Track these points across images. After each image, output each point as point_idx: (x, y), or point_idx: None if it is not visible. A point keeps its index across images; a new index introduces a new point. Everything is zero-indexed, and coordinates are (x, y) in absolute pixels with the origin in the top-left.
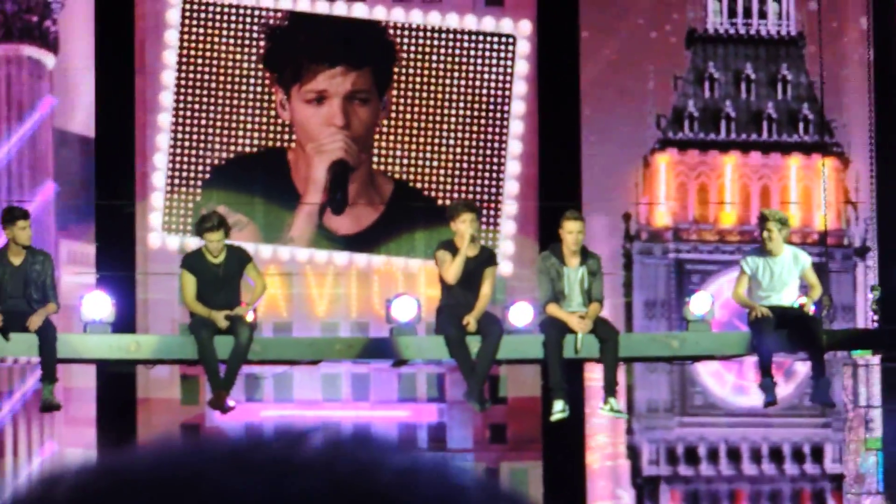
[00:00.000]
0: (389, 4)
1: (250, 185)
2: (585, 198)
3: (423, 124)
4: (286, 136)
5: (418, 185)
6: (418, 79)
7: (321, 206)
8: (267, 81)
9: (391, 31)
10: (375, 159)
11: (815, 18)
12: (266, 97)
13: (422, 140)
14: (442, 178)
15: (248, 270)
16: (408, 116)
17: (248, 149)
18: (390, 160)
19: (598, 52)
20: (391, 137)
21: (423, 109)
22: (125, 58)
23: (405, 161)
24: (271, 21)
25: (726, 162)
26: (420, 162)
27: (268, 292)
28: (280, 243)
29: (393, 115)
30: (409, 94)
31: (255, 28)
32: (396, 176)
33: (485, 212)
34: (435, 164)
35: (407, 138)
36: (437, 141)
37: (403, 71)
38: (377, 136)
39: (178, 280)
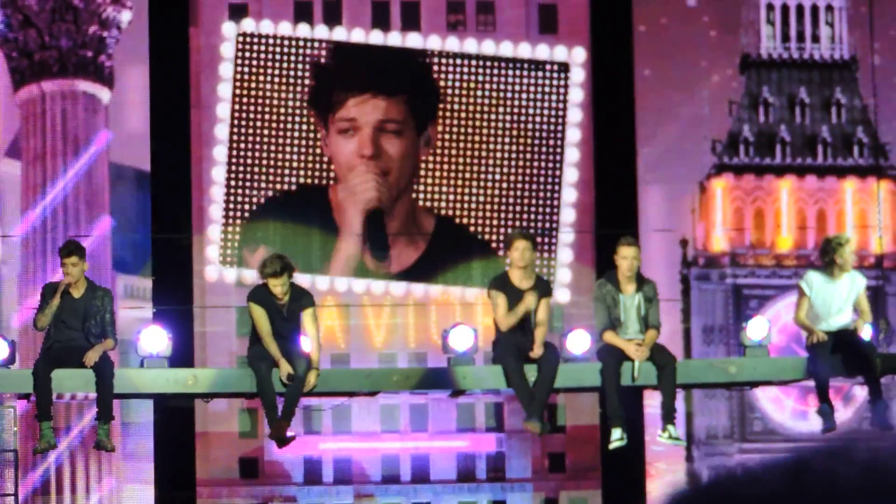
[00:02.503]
0: (444, 34)
1: (294, 220)
2: (642, 224)
3: (474, 154)
4: (330, 174)
5: (465, 219)
6: (472, 108)
7: (361, 250)
8: (312, 119)
9: (439, 61)
10: (422, 194)
11: (867, 42)
12: (313, 133)
13: (472, 171)
14: (494, 209)
15: (304, 316)
16: (457, 147)
17: (293, 187)
18: (436, 194)
19: (652, 79)
20: (439, 170)
21: (475, 139)
22: (180, 91)
23: (452, 196)
24: (321, 60)
25: (782, 186)
26: (470, 194)
27: (325, 323)
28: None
29: (442, 146)
30: (461, 123)
31: (305, 65)
32: (441, 212)
33: (541, 240)
34: (487, 194)
35: (456, 170)
36: (488, 171)
37: (456, 101)
38: (423, 170)
39: (236, 313)
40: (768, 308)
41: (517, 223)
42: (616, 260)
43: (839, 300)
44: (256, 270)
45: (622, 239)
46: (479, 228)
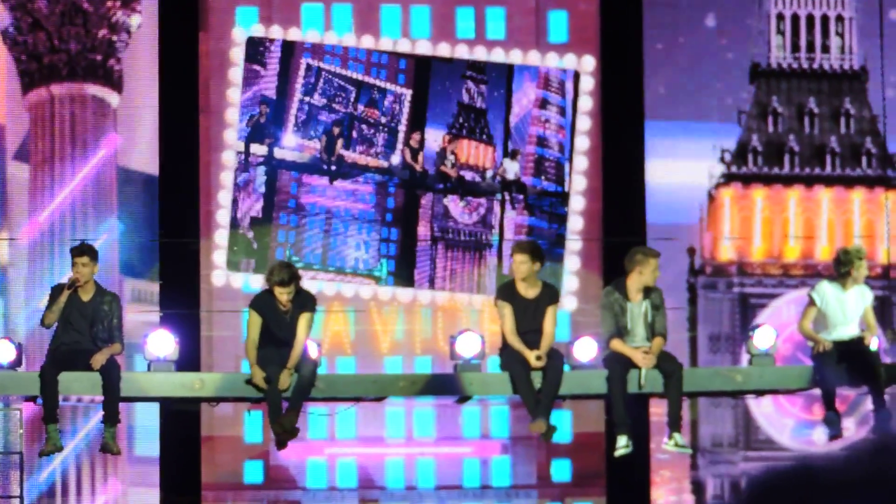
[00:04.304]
0: (453, 42)
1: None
2: (650, 233)
3: (484, 161)
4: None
5: (474, 224)
6: (483, 114)
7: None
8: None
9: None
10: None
11: (877, 52)
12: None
13: (481, 178)
14: (504, 216)
15: (300, 318)
16: (469, 155)
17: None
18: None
19: (666, 96)
20: (451, 180)
21: (487, 145)
22: (189, 96)
23: (463, 202)
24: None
25: (790, 196)
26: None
27: (332, 329)
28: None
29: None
30: (472, 130)
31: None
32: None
33: (549, 248)
34: (496, 201)
35: (469, 177)
36: (497, 178)
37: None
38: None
39: (242, 317)
40: (764, 312)
41: (526, 231)
42: (642, 271)
43: (850, 311)
44: (264, 278)
45: (647, 250)
46: (488, 237)
